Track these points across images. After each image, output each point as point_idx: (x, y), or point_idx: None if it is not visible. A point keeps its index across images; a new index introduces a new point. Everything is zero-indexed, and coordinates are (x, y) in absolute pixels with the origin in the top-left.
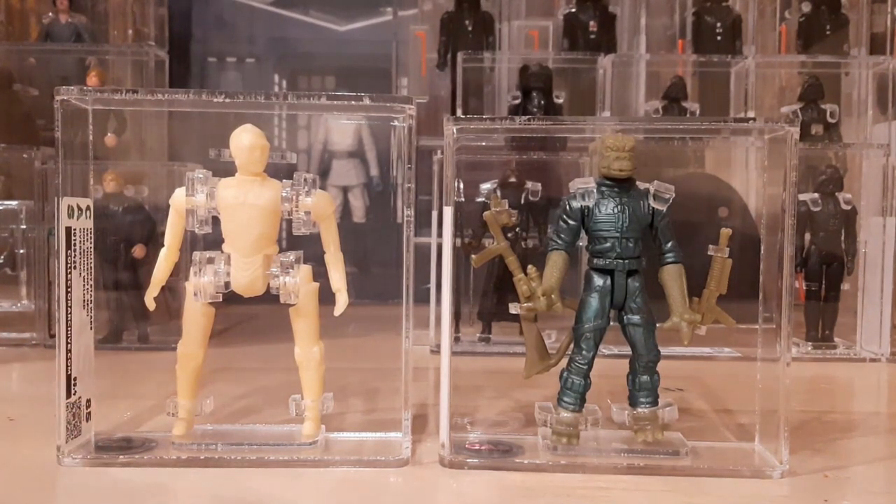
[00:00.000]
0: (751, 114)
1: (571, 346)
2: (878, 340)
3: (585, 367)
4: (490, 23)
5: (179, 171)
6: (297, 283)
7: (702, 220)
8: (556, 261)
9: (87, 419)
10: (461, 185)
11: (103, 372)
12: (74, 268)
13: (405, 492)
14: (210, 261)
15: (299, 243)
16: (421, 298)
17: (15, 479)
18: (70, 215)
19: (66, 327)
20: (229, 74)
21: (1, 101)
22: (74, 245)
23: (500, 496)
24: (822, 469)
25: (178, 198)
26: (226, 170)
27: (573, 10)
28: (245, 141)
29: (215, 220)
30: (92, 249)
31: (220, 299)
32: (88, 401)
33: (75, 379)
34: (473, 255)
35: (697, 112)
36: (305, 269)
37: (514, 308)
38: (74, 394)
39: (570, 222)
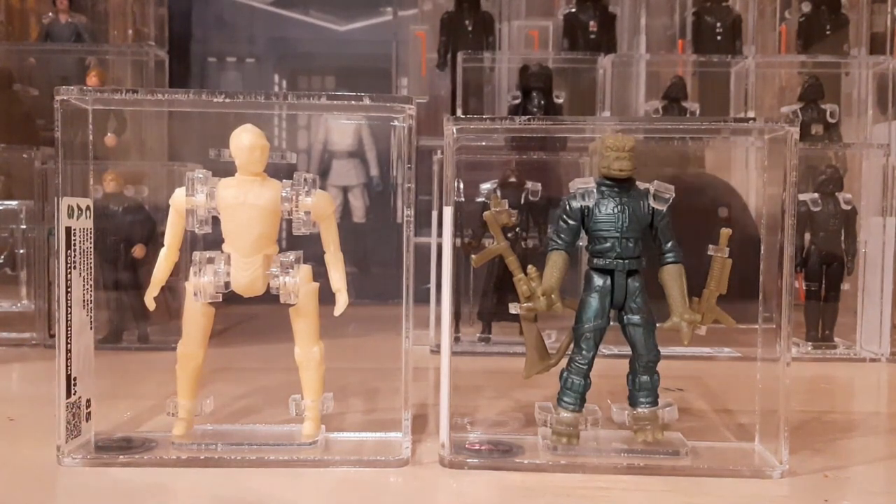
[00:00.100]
0: (751, 114)
1: (571, 346)
2: (878, 340)
3: (585, 367)
4: (490, 23)
5: (179, 171)
6: (297, 283)
7: (706, 219)
8: (556, 261)
9: (87, 419)
10: (461, 185)
11: (103, 372)
12: (74, 268)
13: (405, 492)
14: (210, 261)
15: (299, 243)
16: (421, 298)
17: (15, 479)
18: (70, 215)
19: (66, 327)
20: (229, 74)
21: (1, 101)
22: (74, 245)
23: (500, 496)
24: (822, 469)
25: (178, 198)
26: (226, 170)
27: (573, 10)
28: (245, 141)
29: (215, 220)
30: (92, 249)
31: (220, 299)
32: (88, 401)
33: (75, 379)
34: (473, 255)
35: (697, 112)
36: (305, 269)
37: (514, 308)
38: (74, 394)
39: (570, 222)
